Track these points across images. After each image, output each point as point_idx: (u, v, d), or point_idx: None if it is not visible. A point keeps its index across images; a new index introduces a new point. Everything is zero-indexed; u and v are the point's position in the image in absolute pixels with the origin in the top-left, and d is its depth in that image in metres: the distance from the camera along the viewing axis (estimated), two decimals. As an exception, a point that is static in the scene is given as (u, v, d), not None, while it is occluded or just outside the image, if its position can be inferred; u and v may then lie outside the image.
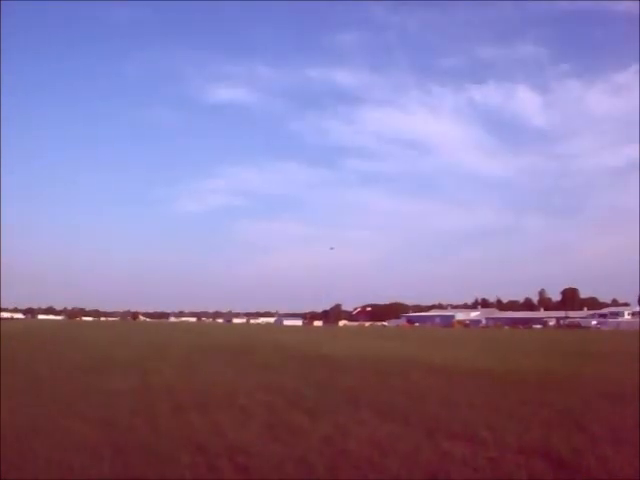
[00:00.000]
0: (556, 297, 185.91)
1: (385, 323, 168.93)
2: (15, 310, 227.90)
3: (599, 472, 6.17)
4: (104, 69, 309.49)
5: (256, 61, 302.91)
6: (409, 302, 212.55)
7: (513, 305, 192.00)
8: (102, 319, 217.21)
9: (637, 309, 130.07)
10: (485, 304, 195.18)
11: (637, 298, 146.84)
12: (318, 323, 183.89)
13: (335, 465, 6.41)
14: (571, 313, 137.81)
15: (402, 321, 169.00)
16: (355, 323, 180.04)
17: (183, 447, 7.17)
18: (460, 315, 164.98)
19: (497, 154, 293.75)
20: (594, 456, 6.76)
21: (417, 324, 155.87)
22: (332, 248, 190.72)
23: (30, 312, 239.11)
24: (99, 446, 7.16)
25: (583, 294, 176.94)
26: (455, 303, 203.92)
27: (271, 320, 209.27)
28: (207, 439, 7.64)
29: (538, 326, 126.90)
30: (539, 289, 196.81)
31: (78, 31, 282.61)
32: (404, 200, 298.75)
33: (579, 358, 23.36)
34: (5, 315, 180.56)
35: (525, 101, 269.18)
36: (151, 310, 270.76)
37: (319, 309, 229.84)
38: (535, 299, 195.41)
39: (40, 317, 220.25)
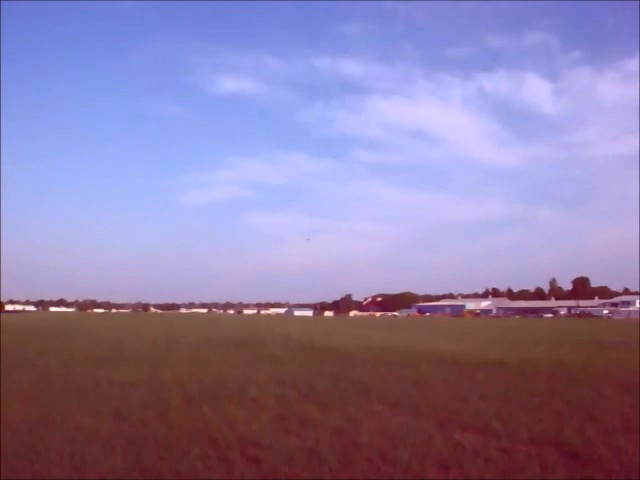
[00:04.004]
0: (567, 286, 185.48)
1: (396, 313, 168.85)
2: (27, 302, 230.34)
3: (611, 463, 6.12)
4: (110, 60, 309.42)
5: (262, 52, 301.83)
6: (419, 292, 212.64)
7: (524, 294, 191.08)
8: (113, 311, 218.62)
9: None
10: (496, 293, 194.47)
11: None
12: (329, 313, 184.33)
13: (346, 457, 6.42)
14: (582, 302, 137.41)
15: (413, 311, 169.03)
16: (366, 313, 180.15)
17: (194, 439, 7.21)
18: (471, 305, 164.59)
19: (507, 144, 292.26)
20: (606, 447, 6.72)
21: (428, 314, 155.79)
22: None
23: (42, 304, 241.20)
24: (111, 439, 7.21)
25: (594, 283, 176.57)
26: (465, 293, 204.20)
27: (282, 311, 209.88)
28: (218, 431, 7.67)
29: (549, 315, 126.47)
30: (550, 278, 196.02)
31: (84, 22, 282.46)
32: (413, 191, 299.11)
33: (590, 348, 23.22)
34: (17, 307, 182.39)
35: (535, 90, 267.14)
36: (162, 302, 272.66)
37: (330, 299, 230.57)
38: (546, 288, 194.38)
39: (52, 309, 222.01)
